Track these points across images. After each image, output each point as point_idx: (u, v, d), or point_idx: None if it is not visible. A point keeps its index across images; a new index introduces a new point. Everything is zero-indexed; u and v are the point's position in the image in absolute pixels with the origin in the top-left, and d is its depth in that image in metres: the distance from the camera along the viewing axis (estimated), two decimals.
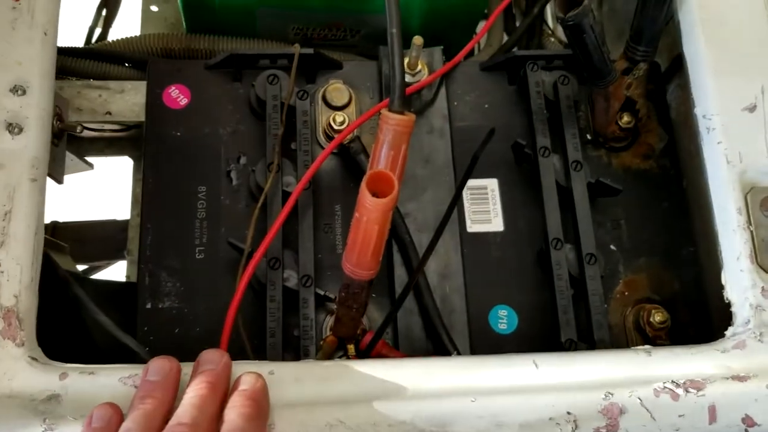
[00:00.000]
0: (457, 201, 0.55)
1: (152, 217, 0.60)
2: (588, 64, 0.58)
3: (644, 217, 0.65)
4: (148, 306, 0.58)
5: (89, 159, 0.85)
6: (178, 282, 0.59)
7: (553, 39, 1.02)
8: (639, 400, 0.46)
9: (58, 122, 0.56)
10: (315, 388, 0.45)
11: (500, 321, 0.61)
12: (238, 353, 0.53)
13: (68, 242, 0.88)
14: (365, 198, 0.44)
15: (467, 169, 0.55)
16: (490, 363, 0.47)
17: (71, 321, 0.53)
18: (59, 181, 0.59)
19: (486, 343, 0.60)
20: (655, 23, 0.58)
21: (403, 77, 0.51)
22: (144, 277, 0.59)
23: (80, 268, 0.95)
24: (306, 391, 0.45)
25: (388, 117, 0.50)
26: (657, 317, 0.60)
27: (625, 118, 0.64)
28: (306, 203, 0.59)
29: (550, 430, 0.44)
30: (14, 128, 0.49)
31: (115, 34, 0.94)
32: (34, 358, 0.45)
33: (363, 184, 0.44)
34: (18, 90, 0.50)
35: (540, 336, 0.60)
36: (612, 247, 0.64)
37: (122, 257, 0.91)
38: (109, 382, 0.45)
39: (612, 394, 0.46)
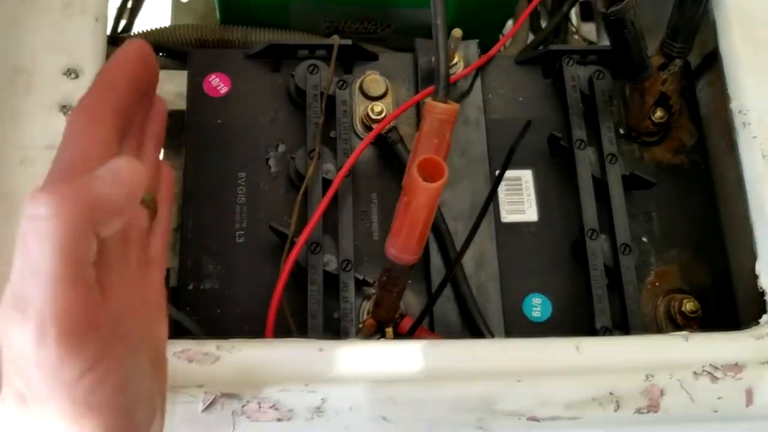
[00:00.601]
0: (494, 193, 0.56)
1: (193, 203, 0.61)
2: (627, 60, 0.59)
3: (675, 210, 0.66)
4: (190, 287, 0.59)
5: None
6: (219, 264, 0.60)
7: (576, 37, 1.04)
8: (679, 382, 0.47)
9: None
10: (364, 366, 0.46)
11: (534, 309, 0.62)
12: (284, 332, 0.54)
13: None
14: (416, 182, 0.45)
15: (505, 160, 0.56)
16: (533, 345, 0.48)
17: None
18: None
19: (520, 330, 0.61)
20: (692, 20, 0.59)
21: (448, 67, 0.52)
22: (186, 259, 0.60)
23: None
24: (354, 368, 0.46)
25: (434, 106, 0.51)
26: (688, 306, 0.61)
27: (659, 113, 0.65)
28: (345, 190, 0.61)
29: (593, 409, 0.45)
30: (68, 110, 0.50)
31: (140, 24, 0.96)
32: None
33: (413, 170, 0.45)
34: (71, 73, 0.51)
35: (573, 324, 0.61)
36: (644, 239, 0.65)
37: None
38: None
39: (653, 376, 0.47)
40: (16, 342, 0.27)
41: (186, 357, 0.46)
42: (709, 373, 0.47)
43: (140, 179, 0.32)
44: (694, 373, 0.47)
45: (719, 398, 0.46)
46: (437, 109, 0.51)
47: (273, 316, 0.51)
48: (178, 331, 0.53)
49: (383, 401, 0.44)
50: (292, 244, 0.57)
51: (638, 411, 0.45)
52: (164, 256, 0.39)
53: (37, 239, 0.27)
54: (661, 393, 0.46)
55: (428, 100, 0.52)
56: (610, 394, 0.46)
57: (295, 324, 0.56)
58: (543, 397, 0.45)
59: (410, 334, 0.55)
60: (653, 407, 0.45)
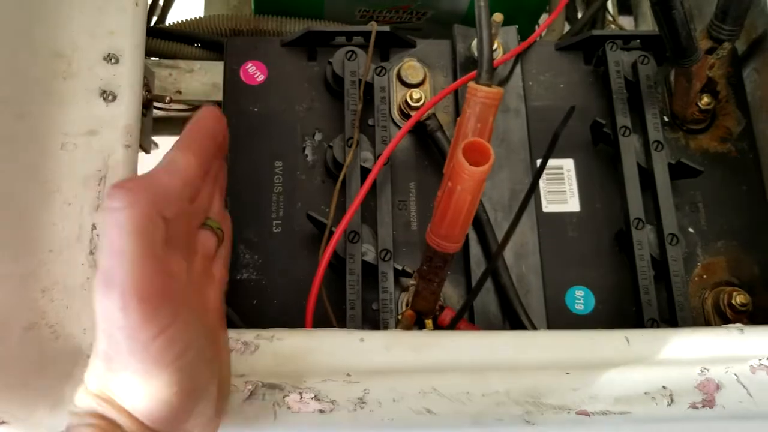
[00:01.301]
0: (537, 182, 0.54)
1: (231, 191, 0.60)
2: (675, 42, 0.57)
3: (722, 201, 0.64)
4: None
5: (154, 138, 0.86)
6: (256, 254, 0.59)
7: (614, 26, 1.02)
8: (735, 377, 0.45)
9: (147, 92, 0.56)
10: (406, 357, 0.45)
11: (577, 301, 0.60)
12: (322, 324, 0.53)
13: None
14: (462, 166, 0.44)
15: (549, 147, 0.54)
16: (581, 337, 0.47)
17: None
18: (147, 150, 0.59)
19: (563, 323, 0.59)
20: (742, 1, 0.57)
21: (492, 50, 0.50)
22: None
23: None
24: (397, 359, 0.44)
25: (477, 89, 0.49)
26: (738, 299, 0.58)
27: (705, 100, 0.63)
28: (384, 179, 0.59)
29: (645, 403, 0.44)
30: (108, 95, 0.50)
31: (174, 15, 0.95)
32: None
33: (458, 153, 0.44)
34: (112, 58, 0.51)
35: (617, 317, 0.60)
36: (690, 230, 0.63)
37: None
38: None
39: (708, 370, 0.45)
40: (106, 310, 0.34)
41: (232, 347, 0.45)
42: (766, 366, 0.45)
43: (191, 167, 0.40)
44: (751, 366, 0.45)
45: None
46: (481, 92, 0.49)
47: (312, 307, 0.50)
48: None
49: (427, 393, 0.43)
50: (331, 233, 0.56)
51: (692, 406, 0.44)
52: (225, 277, 0.46)
53: (116, 226, 0.34)
54: (717, 387, 0.44)
55: (471, 83, 0.50)
56: (663, 388, 0.44)
57: (334, 314, 0.55)
58: (593, 390, 0.44)
59: (451, 327, 0.54)
60: (708, 402, 0.44)
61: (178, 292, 0.37)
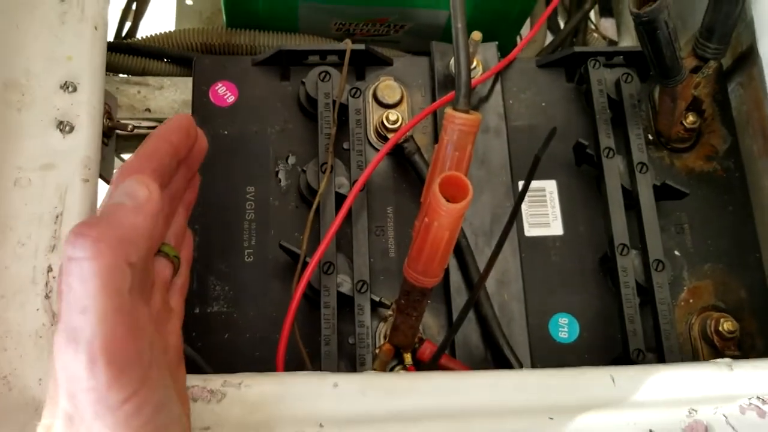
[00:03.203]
0: (519, 207, 0.52)
1: (199, 219, 0.58)
2: (659, 62, 0.55)
3: (708, 222, 0.62)
4: (197, 311, 0.56)
5: (126, 157, 0.83)
6: (227, 286, 0.57)
7: (596, 35, 1.00)
8: (724, 417, 0.43)
9: (108, 120, 0.53)
10: (381, 403, 0.42)
11: (561, 329, 0.58)
12: (296, 365, 0.51)
13: None
14: (438, 202, 0.42)
15: (529, 171, 0.52)
16: (564, 377, 0.45)
17: None
18: (109, 181, 0.57)
19: (546, 352, 0.57)
20: (728, 19, 0.55)
21: (469, 74, 0.48)
22: (192, 280, 0.57)
23: None
24: (372, 406, 0.42)
25: (454, 116, 0.47)
26: (726, 326, 0.57)
27: (691, 119, 0.62)
28: (360, 206, 0.57)
29: None
30: (65, 126, 0.47)
31: (145, 28, 0.92)
32: None
33: (435, 188, 0.42)
34: (69, 87, 0.48)
35: (603, 345, 0.58)
36: (676, 252, 0.61)
37: None
38: None
39: (696, 411, 0.43)
40: (70, 369, 0.31)
41: (191, 395, 0.42)
42: (756, 406, 0.43)
43: (154, 197, 0.36)
44: (741, 407, 0.43)
45: None
46: (458, 119, 0.47)
47: (283, 348, 0.48)
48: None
49: None
50: (304, 264, 0.54)
51: None
52: (182, 308, 0.43)
53: (80, 279, 0.31)
54: (706, 429, 0.42)
55: (448, 109, 0.48)
56: (650, 431, 0.42)
57: (307, 354, 0.53)
58: None
59: (433, 361, 0.52)
60: None
61: (147, 347, 0.34)
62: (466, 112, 0.48)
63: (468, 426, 0.41)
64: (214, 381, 0.43)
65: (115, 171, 0.57)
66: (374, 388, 0.43)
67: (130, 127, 0.56)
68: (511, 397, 0.43)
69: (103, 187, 0.51)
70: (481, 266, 0.58)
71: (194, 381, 0.43)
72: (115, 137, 0.57)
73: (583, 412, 0.43)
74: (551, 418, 0.42)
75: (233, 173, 0.60)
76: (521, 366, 0.54)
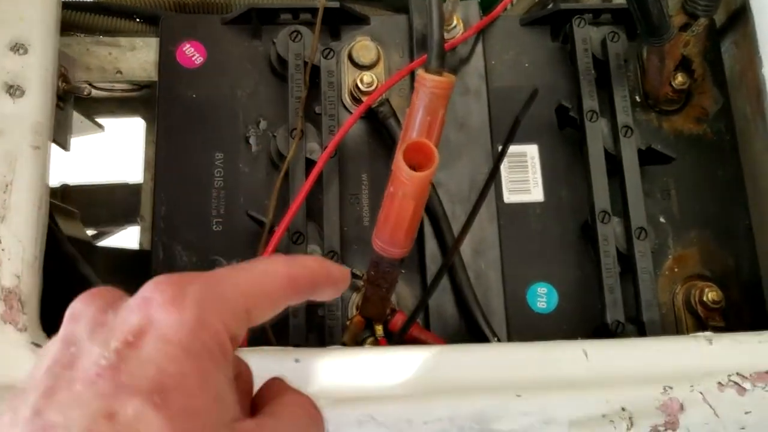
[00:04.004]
0: (496, 171, 0.50)
1: (166, 186, 0.56)
2: (646, 20, 0.52)
3: (696, 187, 0.60)
4: None
5: (100, 120, 0.80)
6: (194, 256, 0.55)
7: None
8: (701, 395, 0.41)
9: (64, 83, 0.51)
10: (344, 380, 0.41)
11: (539, 299, 0.56)
12: (258, 339, 0.49)
13: (79, 206, 0.85)
14: (401, 171, 0.39)
15: (508, 134, 0.50)
16: (535, 352, 0.43)
17: None
18: (65, 147, 0.54)
19: (523, 322, 0.56)
20: None
21: (442, 34, 0.45)
22: (158, 250, 0.55)
23: (91, 233, 0.92)
24: (334, 383, 0.41)
25: (425, 78, 0.45)
26: (711, 296, 0.55)
27: (680, 79, 0.59)
28: (331, 172, 0.55)
29: (602, 427, 0.40)
30: (15, 90, 0.45)
31: None
32: (37, 344, 0.41)
33: (398, 155, 0.40)
34: (19, 48, 0.46)
35: (582, 316, 0.56)
36: (661, 219, 0.59)
37: (135, 222, 0.88)
38: None
39: (671, 389, 0.41)
40: None
41: None
42: (735, 383, 0.41)
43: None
44: (719, 383, 0.42)
45: (747, 413, 0.41)
46: (429, 82, 0.45)
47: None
48: None
49: (365, 422, 0.39)
50: (272, 233, 0.52)
51: (654, 429, 0.40)
52: None
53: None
54: (681, 408, 0.41)
55: (419, 71, 0.45)
56: (623, 409, 0.41)
57: (278, 320, 0.51)
58: (546, 414, 0.40)
59: (402, 333, 0.50)
60: (671, 424, 0.40)
61: None
62: (439, 73, 0.45)
63: (430, 404, 0.40)
64: None
65: (71, 137, 0.55)
66: (337, 364, 0.42)
67: (86, 90, 0.54)
68: (477, 374, 0.41)
69: (57, 154, 0.49)
70: (457, 234, 0.56)
71: None
72: (73, 101, 0.55)
73: (552, 389, 0.41)
74: (518, 395, 0.41)
75: (201, 139, 0.57)
76: (496, 337, 0.52)
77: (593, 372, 0.42)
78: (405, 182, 0.40)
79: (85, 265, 0.46)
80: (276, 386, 0.31)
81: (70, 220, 0.75)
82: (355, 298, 0.54)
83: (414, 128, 0.46)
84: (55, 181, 0.87)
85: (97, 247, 0.74)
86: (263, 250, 0.50)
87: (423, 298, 0.47)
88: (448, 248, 0.55)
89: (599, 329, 0.55)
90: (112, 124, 0.82)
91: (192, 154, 0.57)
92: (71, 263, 0.46)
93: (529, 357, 0.43)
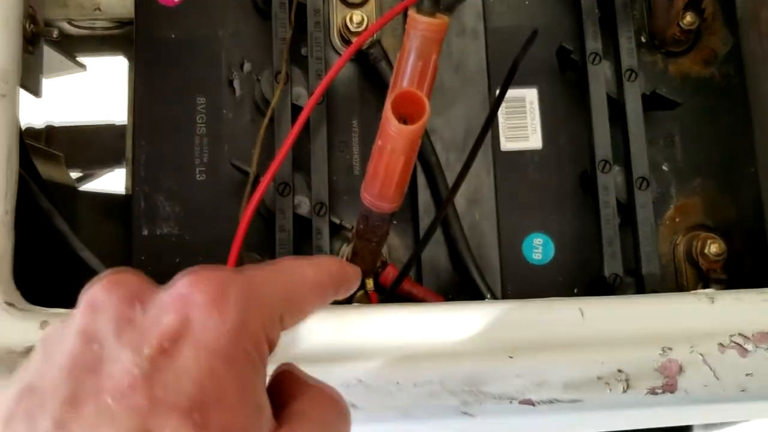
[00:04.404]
0: (493, 117, 0.48)
1: (146, 133, 0.53)
2: None
3: (702, 133, 0.57)
4: (145, 232, 0.52)
5: (81, 59, 0.77)
6: (177, 206, 0.53)
7: None
8: (701, 357, 0.40)
9: (32, 25, 0.48)
10: (329, 340, 0.39)
11: (535, 250, 0.55)
12: None
13: (64, 147, 0.82)
14: (390, 124, 0.37)
15: (506, 78, 0.47)
16: (530, 311, 0.41)
17: (57, 258, 0.47)
18: (36, 93, 0.51)
19: (518, 274, 0.54)
20: None
21: None
22: (139, 200, 0.53)
23: (77, 175, 0.89)
24: (319, 343, 0.39)
25: (417, 20, 0.41)
26: (713, 248, 0.53)
27: (688, 18, 0.55)
28: (319, 119, 0.52)
29: (597, 390, 0.39)
30: None
31: None
32: (10, 304, 0.39)
33: (387, 106, 0.37)
34: None
35: (579, 267, 0.54)
36: (664, 167, 0.57)
37: (121, 164, 0.85)
38: None
39: (670, 350, 0.40)
40: None
41: None
42: (737, 344, 0.40)
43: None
44: (720, 344, 0.40)
45: (748, 375, 0.39)
46: (421, 24, 0.41)
47: None
48: None
49: (352, 385, 0.38)
50: (256, 184, 0.49)
51: (651, 391, 0.39)
52: None
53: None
54: (680, 369, 0.39)
55: (411, 11, 0.42)
56: (619, 371, 0.39)
57: None
58: (539, 376, 0.39)
59: (393, 288, 0.48)
60: (669, 387, 0.39)
61: None
62: (432, 14, 0.42)
63: (419, 366, 0.38)
64: None
65: (42, 83, 0.52)
66: (322, 324, 0.40)
67: (55, 33, 0.50)
68: (468, 334, 0.40)
69: (25, 101, 0.47)
70: (452, 184, 0.53)
71: None
72: (43, 44, 0.52)
73: (546, 350, 0.40)
74: (511, 357, 0.39)
75: (182, 82, 0.54)
76: (490, 291, 0.50)
77: (589, 332, 0.41)
78: (394, 136, 0.37)
79: (62, 221, 0.43)
80: (294, 379, 0.29)
81: (53, 164, 0.72)
82: (345, 251, 0.53)
83: (405, 74, 0.43)
84: (40, 122, 0.85)
85: (81, 191, 0.72)
86: (248, 202, 0.48)
87: (415, 252, 0.45)
88: (442, 199, 0.53)
89: (596, 282, 0.53)
90: (97, 63, 0.79)
91: (172, 99, 0.54)
92: (47, 218, 0.44)
93: (522, 316, 0.41)
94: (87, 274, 0.45)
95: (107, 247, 0.65)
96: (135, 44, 0.55)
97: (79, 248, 0.43)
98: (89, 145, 0.87)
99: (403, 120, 0.39)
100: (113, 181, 0.92)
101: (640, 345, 0.40)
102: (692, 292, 0.44)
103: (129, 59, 0.79)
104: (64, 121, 0.85)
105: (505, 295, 0.53)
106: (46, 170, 0.65)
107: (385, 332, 0.40)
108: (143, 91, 0.54)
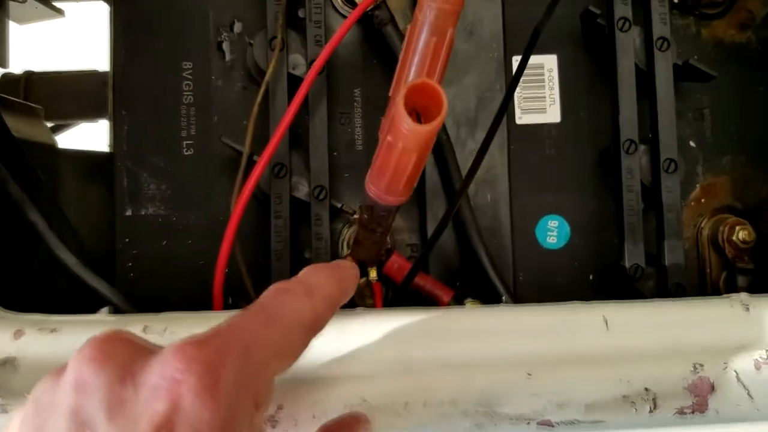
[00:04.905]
0: (510, 98, 0.43)
1: (127, 103, 0.48)
2: None
3: (734, 105, 0.53)
4: (128, 213, 0.48)
5: (59, 5, 0.71)
6: (163, 184, 0.48)
7: None
8: (735, 374, 0.37)
9: None
10: (328, 355, 0.36)
11: (549, 234, 0.51)
12: (238, 291, 0.44)
13: (43, 96, 0.77)
14: (402, 121, 0.32)
15: (527, 48, 0.43)
16: (550, 319, 0.38)
17: (31, 256, 0.43)
18: (3, 64, 0.46)
19: (531, 259, 0.51)
20: None
21: None
22: (122, 177, 0.48)
23: (57, 125, 0.84)
24: (316, 359, 0.36)
25: None
26: (741, 234, 0.50)
27: None
28: (319, 91, 0.47)
29: (622, 411, 0.36)
30: None
31: None
32: None
33: (399, 100, 0.32)
34: None
35: (595, 252, 0.51)
36: (691, 143, 0.52)
37: (104, 115, 0.80)
38: (76, 341, 0.36)
39: (702, 367, 0.37)
40: None
41: None
42: None
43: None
44: (756, 360, 0.37)
45: None
46: None
47: (220, 285, 0.40)
48: (99, 301, 0.42)
49: (356, 405, 0.35)
50: (249, 166, 0.45)
51: (679, 412, 0.36)
52: None
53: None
54: (712, 388, 0.36)
55: None
56: (646, 390, 0.36)
57: (260, 262, 0.46)
58: (559, 395, 0.36)
59: (400, 291, 0.44)
60: (699, 407, 0.36)
61: None
62: None
63: (429, 384, 0.35)
64: (134, 326, 0.36)
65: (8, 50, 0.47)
66: (322, 334, 0.36)
67: None
68: (483, 347, 0.36)
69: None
70: (462, 162, 0.49)
71: (110, 325, 0.36)
72: (8, 8, 0.46)
73: (567, 365, 0.36)
74: (529, 374, 0.36)
75: (165, 45, 0.49)
76: (504, 284, 0.47)
77: (614, 344, 0.37)
78: (406, 134, 0.33)
79: (36, 213, 0.39)
80: None
81: (31, 120, 0.67)
82: (346, 234, 0.49)
83: (416, 51, 0.38)
84: (18, 69, 0.79)
85: (62, 150, 0.67)
86: (240, 188, 0.44)
87: (424, 252, 0.41)
88: (451, 178, 0.49)
89: (612, 268, 0.49)
90: (75, 8, 0.72)
91: (155, 64, 0.49)
92: (17, 208, 0.39)
93: (542, 325, 0.37)
94: (66, 276, 0.41)
95: (92, 214, 0.61)
96: (112, 3, 0.49)
97: (55, 246, 0.39)
98: (70, 93, 0.81)
99: (415, 112, 0.35)
100: (95, 136, 0.87)
101: (669, 360, 0.37)
102: (725, 296, 0.40)
103: (108, 2, 0.72)
104: (40, 71, 0.79)
105: (517, 282, 0.50)
106: (24, 128, 0.60)
107: (390, 344, 0.36)
108: (123, 55, 0.49)
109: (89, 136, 0.88)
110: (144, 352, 0.26)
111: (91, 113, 0.84)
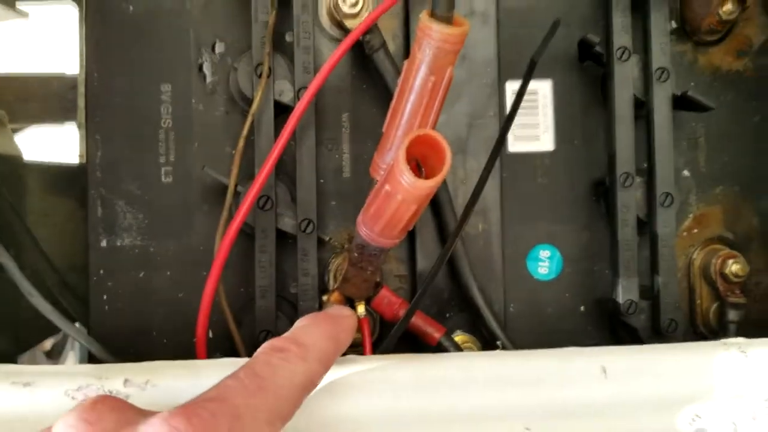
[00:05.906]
0: (509, 126, 0.41)
1: (102, 127, 0.46)
2: None
3: (728, 134, 0.52)
4: (103, 244, 0.46)
5: (23, 6, 0.67)
6: (140, 213, 0.46)
7: None
8: (734, 426, 0.36)
9: None
10: (317, 402, 0.34)
11: (540, 264, 0.50)
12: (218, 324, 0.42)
13: (9, 99, 0.74)
14: (403, 175, 0.31)
15: (524, 77, 0.41)
16: (547, 366, 0.37)
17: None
18: None
19: (522, 290, 0.49)
20: None
21: None
22: (96, 205, 0.46)
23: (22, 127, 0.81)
24: (307, 408, 0.34)
25: (431, 29, 0.35)
26: (734, 268, 0.49)
27: (728, 7, 0.49)
28: (306, 120, 0.45)
29: None
30: None
31: None
32: None
33: (400, 155, 0.31)
34: None
35: (587, 283, 0.50)
36: (685, 172, 0.51)
37: (72, 119, 0.77)
38: (52, 396, 0.34)
39: (699, 418, 0.36)
40: None
41: (85, 395, 0.34)
42: None
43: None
44: (754, 411, 0.36)
45: None
46: (437, 33, 0.35)
47: (203, 333, 0.38)
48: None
49: None
50: (235, 195, 0.43)
51: None
52: None
53: None
54: None
55: (423, 17, 0.35)
56: None
57: (245, 295, 0.44)
58: None
59: (394, 338, 0.42)
60: None
61: None
62: (448, 21, 0.35)
63: None
64: (113, 379, 0.34)
65: None
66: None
67: None
68: (479, 398, 0.35)
69: None
70: (453, 189, 0.48)
71: (88, 379, 0.34)
72: None
73: (566, 418, 0.35)
74: (528, 429, 0.35)
75: (142, 66, 0.46)
76: (497, 322, 0.46)
77: (611, 395, 0.36)
78: (407, 188, 0.31)
79: (4, 255, 0.36)
80: None
81: None
82: (333, 266, 0.47)
83: (413, 89, 0.37)
84: None
85: (29, 164, 0.64)
86: (225, 226, 0.42)
87: (418, 297, 0.39)
88: (441, 206, 0.47)
89: (605, 302, 0.49)
90: (40, 10, 0.69)
91: (132, 86, 0.46)
92: None
93: (540, 374, 0.36)
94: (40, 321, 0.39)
95: (62, 233, 0.58)
96: (85, 17, 0.46)
97: (27, 292, 0.36)
98: (37, 96, 0.78)
99: (415, 160, 0.33)
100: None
101: (667, 410, 0.36)
102: (722, 341, 0.39)
103: (77, 4, 0.69)
104: (6, 72, 0.76)
105: (508, 314, 0.49)
106: None
107: (377, 396, 0.35)
108: (97, 75, 0.46)
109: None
110: (130, 420, 0.26)
111: (59, 117, 0.81)
